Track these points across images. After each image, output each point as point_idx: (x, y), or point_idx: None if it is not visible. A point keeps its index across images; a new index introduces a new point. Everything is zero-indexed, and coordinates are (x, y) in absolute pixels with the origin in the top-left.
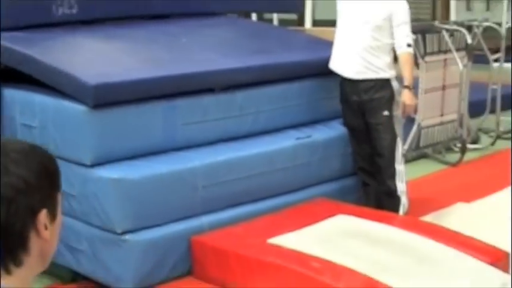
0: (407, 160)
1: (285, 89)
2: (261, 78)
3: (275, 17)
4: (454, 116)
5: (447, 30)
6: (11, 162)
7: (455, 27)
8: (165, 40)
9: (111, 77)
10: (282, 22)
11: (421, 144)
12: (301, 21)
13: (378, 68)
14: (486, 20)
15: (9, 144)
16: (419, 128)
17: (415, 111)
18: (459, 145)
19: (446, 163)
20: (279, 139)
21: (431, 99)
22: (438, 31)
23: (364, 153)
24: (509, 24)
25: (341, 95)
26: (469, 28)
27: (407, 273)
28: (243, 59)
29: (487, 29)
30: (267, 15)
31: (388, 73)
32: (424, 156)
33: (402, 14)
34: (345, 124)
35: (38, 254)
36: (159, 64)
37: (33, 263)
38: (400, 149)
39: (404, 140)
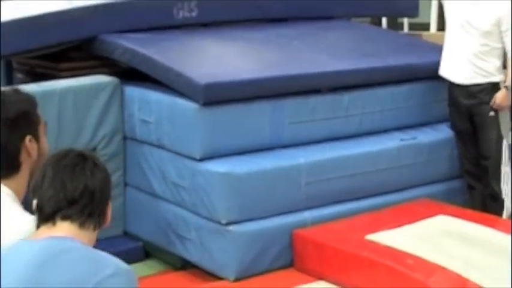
0: None
1: (391, 92)
2: (368, 81)
3: (405, 21)
4: None
5: None
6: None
7: None
8: (279, 42)
9: (222, 77)
10: (412, 26)
11: None
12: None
13: (487, 73)
14: None
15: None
16: None
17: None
18: None
19: None
20: (384, 140)
21: None
22: None
23: (471, 156)
24: None
25: (449, 99)
26: None
27: (500, 275)
28: (352, 61)
29: None
30: (399, 20)
31: (497, 77)
32: None
33: (510, 19)
34: (452, 127)
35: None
36: (269, 65)
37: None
38: (507, 151)
39: None
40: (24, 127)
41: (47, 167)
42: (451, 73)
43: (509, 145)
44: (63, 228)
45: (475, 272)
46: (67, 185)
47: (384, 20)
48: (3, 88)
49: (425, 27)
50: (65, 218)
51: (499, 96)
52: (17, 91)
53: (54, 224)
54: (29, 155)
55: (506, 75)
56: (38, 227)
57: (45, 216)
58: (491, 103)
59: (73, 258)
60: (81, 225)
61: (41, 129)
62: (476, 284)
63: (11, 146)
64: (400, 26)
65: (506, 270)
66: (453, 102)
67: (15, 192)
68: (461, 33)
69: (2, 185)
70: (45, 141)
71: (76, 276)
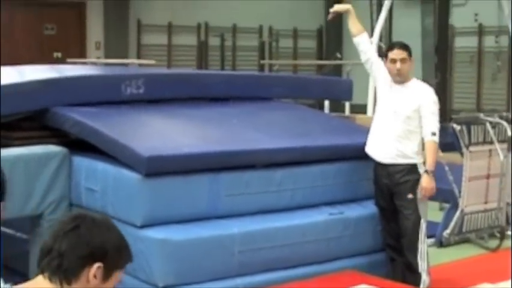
0: (450, 244)
1: (321, 170)
2: (300, 159)
3: (347, 104)
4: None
5: (490, 122)
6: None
7: (497, 120)
8: (219, 120)
9: (164, 151)
10: (353, 108)
11: (464, 229)
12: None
13: (406, 155)
14: None
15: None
16: (462, 214)
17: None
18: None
19: (487, 248)
20: (313, 213)
21: (475, 187)
22: (483, 123)
23: (392, 231)
24: None
25: (374, 177)
26: None
27: None
28: (285, 140)
29: None
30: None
31: (415, 159)
32: (467, 240)
33: (429, 106)
34: (376, 204)
35: None
36: (209, 141)
37: None
38: (424, 229)
39: (447, 225)
40: None
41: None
42: (375, 152)
43: (426, 224)
44: (40, 281)
45: None
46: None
47: (327, 102)
48: None
49: (364, 109)
50: (42, 270)
51: (424, 182)
52: None
53: (37, 275)
54: None
55: (426, 160)
56: None
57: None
58: (418, 191)
59: None
60: (50, 278)
61: None
62: None
63: None
64: (342, 107)
65: None
66: (376, 181)
67: None
68: (387, 117)
69: None
70: None
71: None
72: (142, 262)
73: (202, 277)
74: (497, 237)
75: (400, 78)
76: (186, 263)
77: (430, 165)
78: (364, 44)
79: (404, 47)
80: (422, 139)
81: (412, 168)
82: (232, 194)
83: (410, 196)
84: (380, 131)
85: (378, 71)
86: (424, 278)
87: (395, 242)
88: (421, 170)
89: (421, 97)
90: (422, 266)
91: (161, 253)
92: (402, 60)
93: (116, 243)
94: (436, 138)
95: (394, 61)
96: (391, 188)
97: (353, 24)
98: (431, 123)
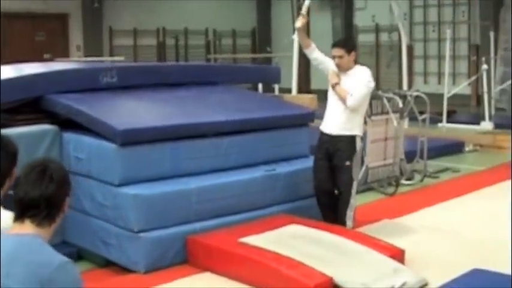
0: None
1: (258, 137)
2: (241, 128)
3: (276, 87)
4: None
5: (386, 97)
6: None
7: (391, 95)
8: (176, 101)
9: (134, 125)
10: (281, 90)
11: (369, 180)
12: (299, 90)
13: (346, 128)
14: (417, 91)
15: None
16: (367, 169)
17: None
18: (395, 181)
19: (386, 194)
20: (252, 171)
21: (376, 147)
22: (381, 98)
23: (318, 184)
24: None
25: (319, 141)
26: (405, 96)
27: (333, 263)
28: (229, 115)
29: (418, 97)
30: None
31: (354, 132)
32: (370, 188)
33: (360, 82)
34: (314, 161)
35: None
36: (169, 117)
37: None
38: (355, 188)
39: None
40: None
41: (22, 174)
42: (325, 125)
43: (357, 184)
44: (28, 226)
45: (316, 262)
46: (29, 193)
47: (260, 85)
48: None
49: (290, 90)
50: (28, 217)
51: (331, 74)
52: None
53: (22, 222)
54: None
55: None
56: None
57: (16, 215)
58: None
59: (30, 259)
60: (39, 224)
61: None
62: (318, 271)
63: None
64: (272, 89)
65: (337, 260)
66: (320, 144)
67: None
68: (331, 96)
69: None
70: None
71: (32, 271)
72: (121, 213)
73: (167, 222)
74: (393, 185)
75: (340, 69)
76: (155, 212)
77: (339, 90)
78: (314, 53)
79: (341, 45)
80: (364, 117)
81: (351, 139)
82: (189, 157)
83: (348, 163)
84: (329, 109)
85: (328, 67)
86: (349, 224)
87: (322, 193)
88: (358, 141)
89: (357, 79)
90: (349, 214)
91: (134, 205)
92: (339, 57)
93: None
94: (351, 99)
95: (334, 57)
96: (332, 153)
97: (303, 40)
98: (356, 91)
